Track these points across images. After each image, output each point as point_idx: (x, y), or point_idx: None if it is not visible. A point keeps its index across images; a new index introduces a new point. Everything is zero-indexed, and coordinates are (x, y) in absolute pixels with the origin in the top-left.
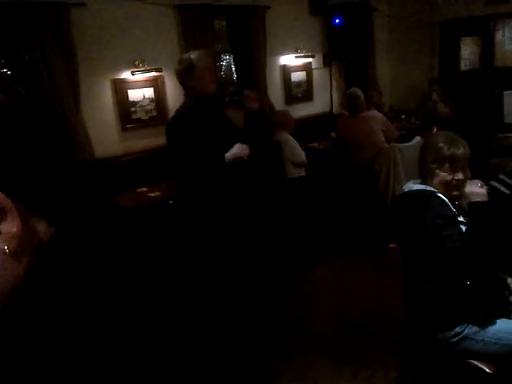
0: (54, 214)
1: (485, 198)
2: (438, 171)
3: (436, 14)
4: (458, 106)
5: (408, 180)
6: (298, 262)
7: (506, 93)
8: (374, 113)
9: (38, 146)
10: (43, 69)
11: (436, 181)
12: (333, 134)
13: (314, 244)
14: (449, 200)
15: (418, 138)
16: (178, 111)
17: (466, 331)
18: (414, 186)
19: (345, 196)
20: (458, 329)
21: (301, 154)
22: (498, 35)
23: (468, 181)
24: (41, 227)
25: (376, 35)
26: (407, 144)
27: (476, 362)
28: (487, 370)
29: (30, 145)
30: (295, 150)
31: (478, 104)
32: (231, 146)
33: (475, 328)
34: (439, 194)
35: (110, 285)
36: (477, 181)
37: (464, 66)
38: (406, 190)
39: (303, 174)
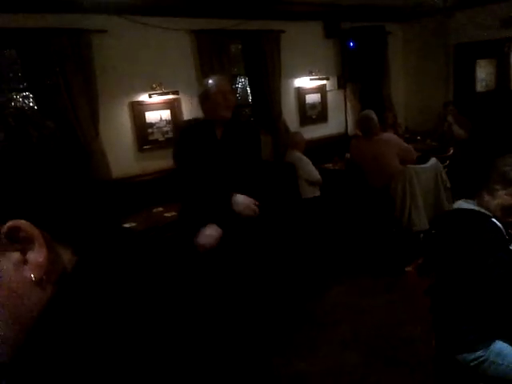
0: (77, 241)
1: None
2: (500, 193)
3: (450, 37)
4: (473, 128)
5: (424, 201)
6: (313, 284)
7: None
8: (390, 135)
9: (60, 172)
10: (64, 92)
11: (495, 202)
12: (347, 155)
13: (329, 265)
14: (503, 226)
15: (433, 160)
16: (190, 121)
17: (488, 354)
18: (466, 204)
19: (360, 217)
20: (480, 352)
21: (315, 172)
22: None
23: None
24: (65, 256)
25: (391, 57)
26: (423, 165)
27: None
28: None
29: (54, 172)
30: (309, 168)
31: (494, 125)
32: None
33: (498, 351)
34: (493, 219)
35: (128, 314)
36: None
37: (480, 87)
38: (455, 207)
39: (318, 194)
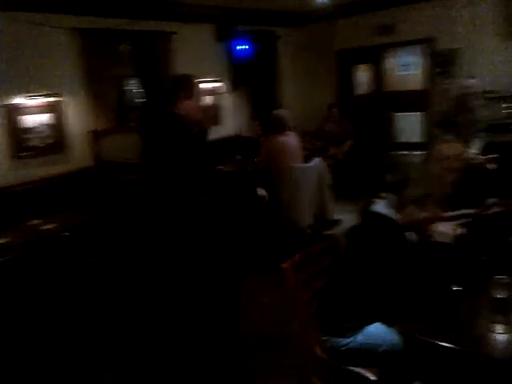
0: None
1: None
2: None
3: (334, 43)
4: (355, 129)
5: (308, 198)
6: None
7: (396, 115)
8: (293, 133)
9: None
10: None
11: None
12: (238, 157)
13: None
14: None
15: (317, 159)
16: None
17: (357, 339)
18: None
19: (250, 215)
20: (351, 338)
21: None
22: (388, 63)
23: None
24: None
25: (281, 62)
26: (307, 164)
27: (359, 369)
28: (371, 377)
29: None
30: None
31: (372, 126)
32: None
33: (364, 335)
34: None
35: None
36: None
37: (360, 90)
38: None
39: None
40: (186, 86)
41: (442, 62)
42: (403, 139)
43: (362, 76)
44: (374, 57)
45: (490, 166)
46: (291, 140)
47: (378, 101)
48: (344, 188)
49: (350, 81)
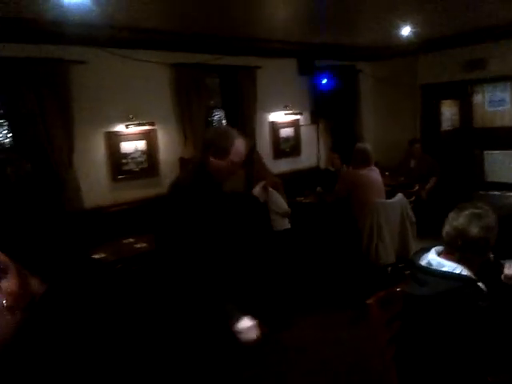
0: (46, 271)
1: None
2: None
3: (417, 77)
4: (440, 168)
5: (391, 235)
6: (281, 316)
7: (486, 152)
8: (376, 168)
9: (32, 206)
10: (40, 122)
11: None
12: (319, 189)
13: (297, 297)
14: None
15: (400, 195)
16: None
17: None
18: (445, 263)
19: (329, 250)
20: None
21: (284, 204)
22: (477, 98)
23: (506, 262)
24: (34, 284)
25: (362, 95)
26: (390, 200)
27: None
28: None
29: (28, 204)
30: (278, 199)
31: (458, 163)
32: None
33: None
34: (479, 284)
35: (92, 340)
36: None
37: (445, 126)
38: (433, 267)
39: (288, 226)
40: (216, 144)
41: None
42: (494, 179)
43: (448, 112)
44: (462, 92)
45: None
46: (375, 174)
47: (465, 137)
48: (426, 227)
49: (435, 116)
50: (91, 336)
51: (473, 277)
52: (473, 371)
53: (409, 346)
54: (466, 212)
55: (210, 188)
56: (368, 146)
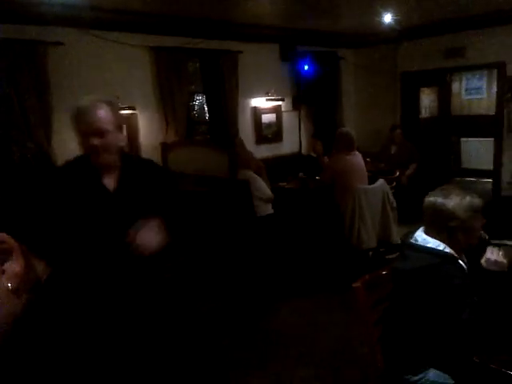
0: (50, 254)
1: (503, 269)
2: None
3: (398, 64)
4: (419, 151)
5: (372, 220)
6: (266, 301)
7: (462, 140)
8: (359, 154)
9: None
10: (16, 106)
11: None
12: (301, 175)
13: (280, 283)
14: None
15: (381, 181)
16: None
17: (426, 378)
18: (429, 240)
19: (312, 235)
20: (421, 374)
21: (267, 189)
22: (455, 86)
23: (488, 247)
24: (39, 267)
25: (343, 82)
26: (372, 186)
27: None
28: None
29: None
30: (262, 185)
31: (436, 150)
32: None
33: (432, 380)
34: (460, 261)
35: (93, 322)
36: (496, 248)
37: (424, 113)
38: (418, 243)
39: (271, 211)
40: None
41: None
42: (471, 165)
43: (427, 99)
44: (440, 80)
45: None
46: (358, 159)
47: (444, 125)
48: (406, 212)
49: (415, 103)
50: (93, 318)
51: (454, 254)
52: (455, 350)
53: (394, 325)
54: (453, 194)
55: (78, 171)
56: (350, 130)
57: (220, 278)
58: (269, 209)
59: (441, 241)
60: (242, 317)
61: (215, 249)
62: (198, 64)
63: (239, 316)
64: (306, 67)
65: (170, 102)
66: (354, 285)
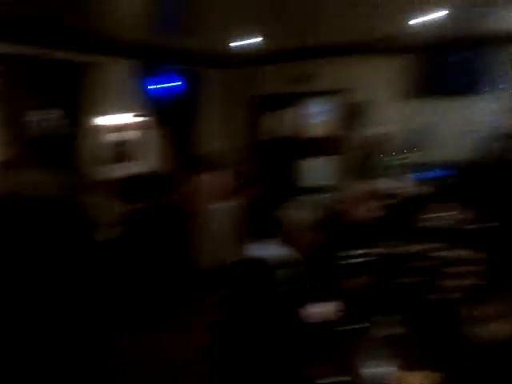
0: None
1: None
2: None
3: (256, 87)
4: (269, 171)
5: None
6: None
7: (309, 159)
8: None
9: None
10: None
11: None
12: (156, 195)
13: (122, 313)
14: None
15: (230, 200)
16: None
17: None
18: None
19: (159, 257)
20: None
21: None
22: (303, 110)
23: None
24: None
25: (204, 101)
26: (222, 205)
27: None
28: None
29: None
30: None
31: (284, 168)
32: None
33: None
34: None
35: None
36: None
37: (275, 135)
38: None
39: (115, 234)
40: None
41: (352, 113)
42: (314, 183)
43: (278, 121)
44: (290, 104)
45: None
46: (214, 179)
47: (292, 146)
48: (255, 229)
49: (266, 125)
50: None
51: (290, 260)
52: (278, 361)
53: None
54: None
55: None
56: (215, 150)
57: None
58: (112, 232)
59: (281, 247)
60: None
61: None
62: (49, 76)
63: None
64: (167, 85)
65: (10, 116)
66: (195, 306)
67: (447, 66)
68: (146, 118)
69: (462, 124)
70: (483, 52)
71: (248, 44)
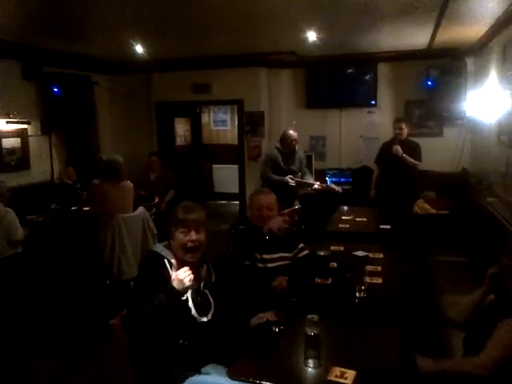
0: None
1: None
2: (175, 234)
3: (152, 94)
4: (176, 177)
5: (133, 249)
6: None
7: (214, 166)
8: (128, 183)
9: None
10: None
11: (175, 243)
12: (54, 206)
13: (37, 331)
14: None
15: (141, 208)
16: None
17: None
18: (158, 246)
19: (70, 270)
20: None
21: (19, 229)
22: (204, 118)
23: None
24: None
25: (98, 108)
26: (131, 214)
27: None
28: None
29: None
30: (14, 224)
31: (191, 176)
32: None
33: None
34: (166, 259)
35: None
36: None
37: (179, 141)
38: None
39: (20, 250)
40: None
41: (250, 122)
42: (222, 189)
43: (181, 128)
44: (192, 111)
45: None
46: (121, 188)
47: (197, 152)
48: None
49: (169, 132)
50: None
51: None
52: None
53: None
54: None
55: None
56: (118, 157)
57: None
58: (17, 248)
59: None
60: None
61: None
62: None
63: None
64: (56, 89)
65: None
66: (111, 322)
67: (325, 82)
68: (38, 124)
69: (351, 132)
70: (356, 70)
71: (144, 51)
